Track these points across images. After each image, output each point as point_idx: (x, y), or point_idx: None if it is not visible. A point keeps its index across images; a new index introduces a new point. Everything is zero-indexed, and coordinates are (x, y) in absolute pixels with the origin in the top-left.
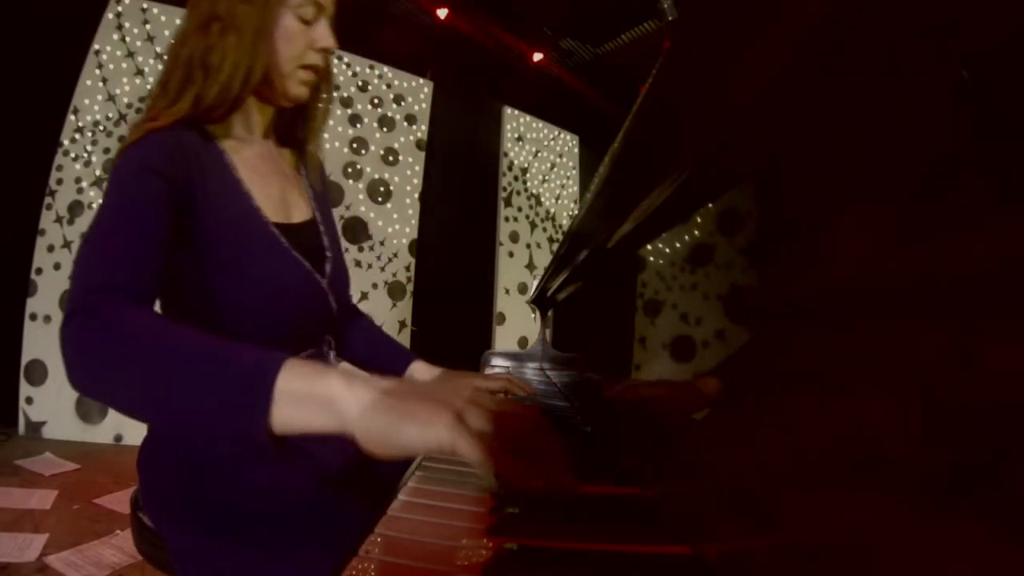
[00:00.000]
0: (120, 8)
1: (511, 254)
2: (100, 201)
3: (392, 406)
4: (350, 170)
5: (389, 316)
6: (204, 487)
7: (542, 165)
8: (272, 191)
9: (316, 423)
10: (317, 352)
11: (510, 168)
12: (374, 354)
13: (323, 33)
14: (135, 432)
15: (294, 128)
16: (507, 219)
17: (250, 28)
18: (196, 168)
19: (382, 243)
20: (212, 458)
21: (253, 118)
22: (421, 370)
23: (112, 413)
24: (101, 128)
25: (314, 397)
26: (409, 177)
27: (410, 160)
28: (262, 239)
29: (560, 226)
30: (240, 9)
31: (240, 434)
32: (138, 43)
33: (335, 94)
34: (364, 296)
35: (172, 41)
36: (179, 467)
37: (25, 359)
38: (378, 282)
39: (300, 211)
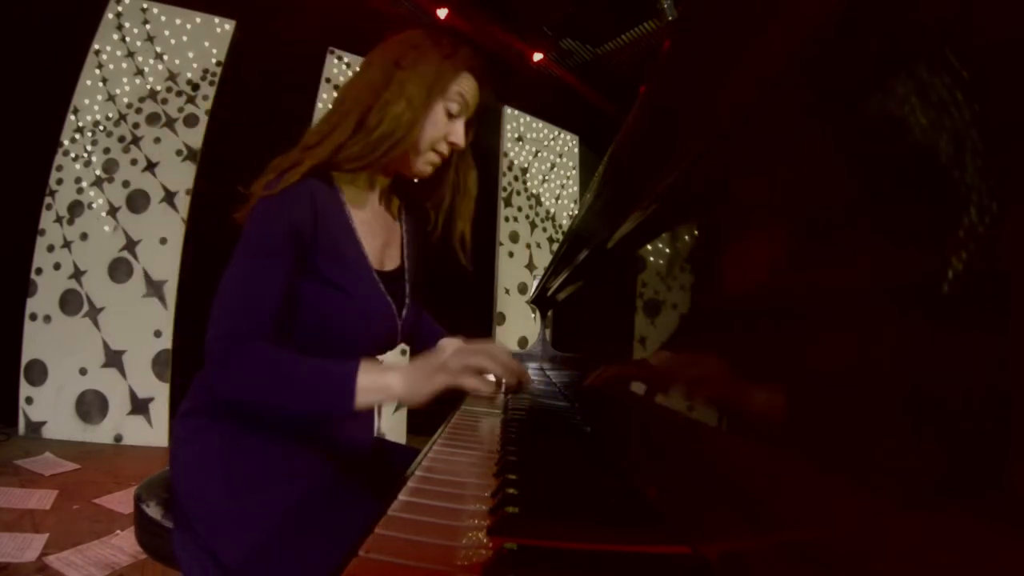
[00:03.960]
0: (120, 8)
1: (511, 254)
2: (101, 201)
3: (412, 380)
4: None
5: None
6: (240, 454)
7: (542, 165)
8: (376, 243)
9: (379, 399)
10: None
11: (510, 168)
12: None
13: (458, 131)
14: (135, 432)
15: (416, 187)
16: (507, 219)
17: (416, 104)
18: (321, 214)
19: None
20: (253, 426)
21: (376, 179)
22: (446, 342)
23: (112, 413)
24: (101, 128)
25: (377, 386)
26: None
27: None
28: (366, 280)
29: (560, 226)
30: (410, 87)
31: (337, 414)
32: (138, 43)
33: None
34: None
35: (344, 89)
36: (223, 429)
37: (25, 359)
38: None
39: (392, 260)
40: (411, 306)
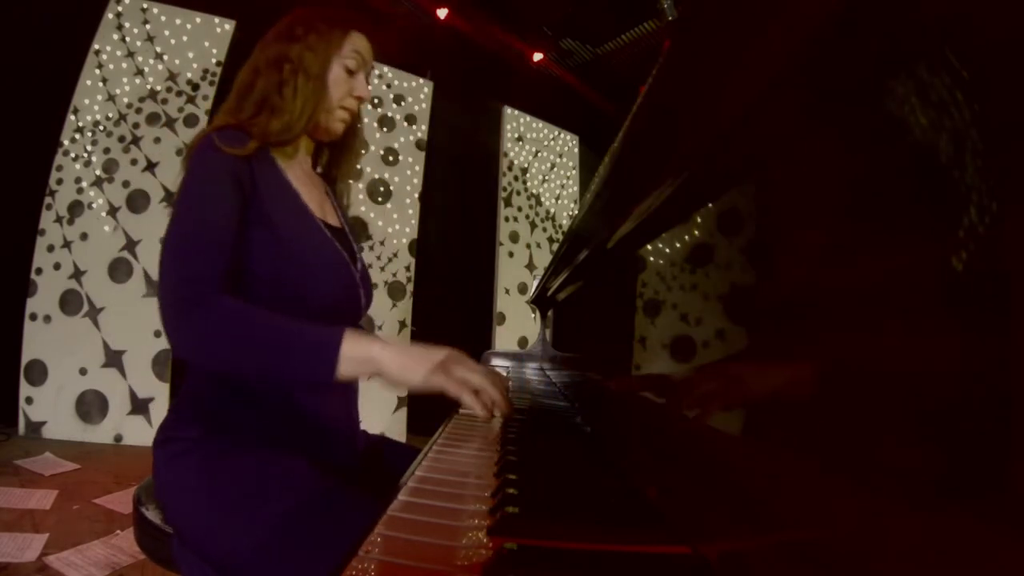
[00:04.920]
0: (120, 8)
1: (511, 254)
2: (101, 201)
3: (406, 362)
4: None
5: (389, 316)
6: (224, 472)
7: (542, 165)
8: (313, 197)
9: (363, 372)
10: None
11: (510, 168)
12: None
13: (360, 84)
14: (135, 432)
15: (330, 166)
16: (507, 219)
17: (314, 72)
18: (257, 166)
19: (382, 243)
20: (234, 445)
21: (300, 144)
22: None
23: (112, 413)
24: (101, 128)
25: (363, 357)
26: (409, 177)
27: (410, 160)
28: (311, 228)
29: (560, 226)
30: (307, 56)
31: (315, 381)
32: (138, 43)
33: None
34: None
35: (244, 71)
36: (204, 450)
37: (25, 359)
38: (378, 282)
39: (334, 219)
40: (364, 265)
